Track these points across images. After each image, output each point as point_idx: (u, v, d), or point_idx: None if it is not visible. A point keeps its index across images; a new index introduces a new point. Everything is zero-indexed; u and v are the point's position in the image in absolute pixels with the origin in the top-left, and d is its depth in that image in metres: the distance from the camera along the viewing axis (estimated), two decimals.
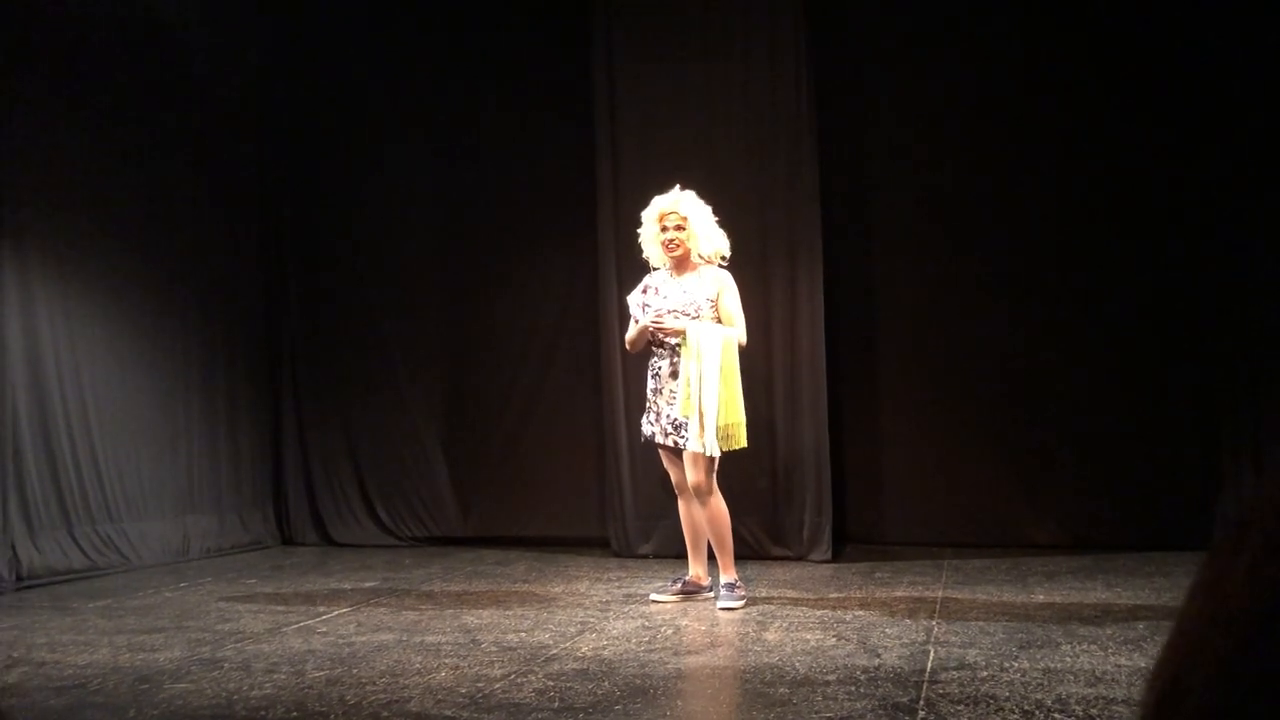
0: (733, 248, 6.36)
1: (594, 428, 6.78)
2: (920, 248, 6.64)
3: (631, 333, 5.00)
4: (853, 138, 6.75)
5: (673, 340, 4.84)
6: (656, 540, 6.43)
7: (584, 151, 6.62)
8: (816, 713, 3.11)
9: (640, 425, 5.10)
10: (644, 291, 5.03)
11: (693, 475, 4.82)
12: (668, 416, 4.85)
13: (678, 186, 4.98)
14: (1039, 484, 6.43)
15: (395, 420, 7.30)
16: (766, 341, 6.32)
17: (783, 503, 6.25)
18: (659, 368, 4.92)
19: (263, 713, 3.26)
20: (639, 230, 5.06)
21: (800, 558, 6.12)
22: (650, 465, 6.45)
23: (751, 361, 6.33)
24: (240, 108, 7.34)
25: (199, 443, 6.96)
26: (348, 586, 5.61)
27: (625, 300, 5.29)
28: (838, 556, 6.14)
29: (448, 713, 3.20)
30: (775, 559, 6.15)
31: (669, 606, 4.88)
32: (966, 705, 3.15)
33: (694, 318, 4.83)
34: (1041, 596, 4.91)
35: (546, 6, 7.10)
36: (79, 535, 6.06)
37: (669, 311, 4.86)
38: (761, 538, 6.27)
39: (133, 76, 6.53)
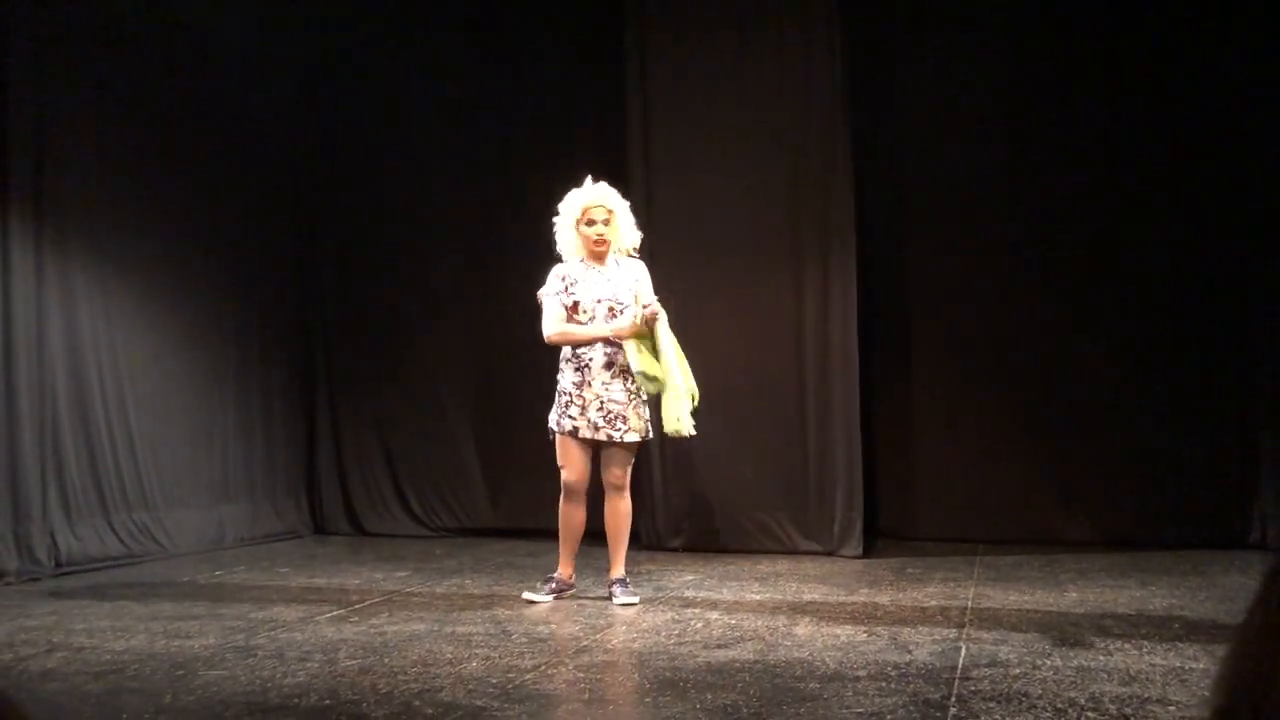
0: (764, 239, 6.40)
1: None
2: (954, 241, 6.58)
3: (583, 332, 4.76)
4: (889, 127, 6.70)
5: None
6: (687, 534, 6.43)
7: (615, 145, 6.62)
8: (847, 708, 3.10)
9: (553, 419, 4.84)
10: (563, 282, 4.86)
11: (620, 470, 4.79)
12: (597, 409, 4.74)
13: (589, 178, 4.93)
14: (1073, 481, 6.37)
15: (428, 412, 7.35)
16: (798, 333, 6.30)
17: (814, 497, 6.22)
18: (587, 359, 4.76)
19: (296, 700, 3.29)
20: (554, 220, 4.94)
21: (831, 553, 6.09)
22: (683, 460, 6.46)
23: (783, 353, 6.33)
24: (277, 106, 7.40)
25: (234, 433, 7.03)
26: (380, 576, 5.65)
27: (564, 292, 4.91)
28: (869, 552, 6.11)
29: (479, 703, 3.22)
30: (806, 554, 6.13)
31: (545, 607, 4.79)
32: (998, 702, 3.13)
33: (623, 307, 4.80)
34: (1075, 594, 4.87)
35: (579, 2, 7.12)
36: (116, 523, 6.14)
37: (596, 301, 4.79)
38: (792, 532, 6.25)
39: (171, 71, 6.59)
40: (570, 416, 4.77)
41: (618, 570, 4.91)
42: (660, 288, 6.49)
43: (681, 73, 6.48)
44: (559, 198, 7.01)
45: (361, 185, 7.51)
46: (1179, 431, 6.20)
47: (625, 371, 4.76)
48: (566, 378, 4.82)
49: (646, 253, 6.48)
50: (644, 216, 6.49)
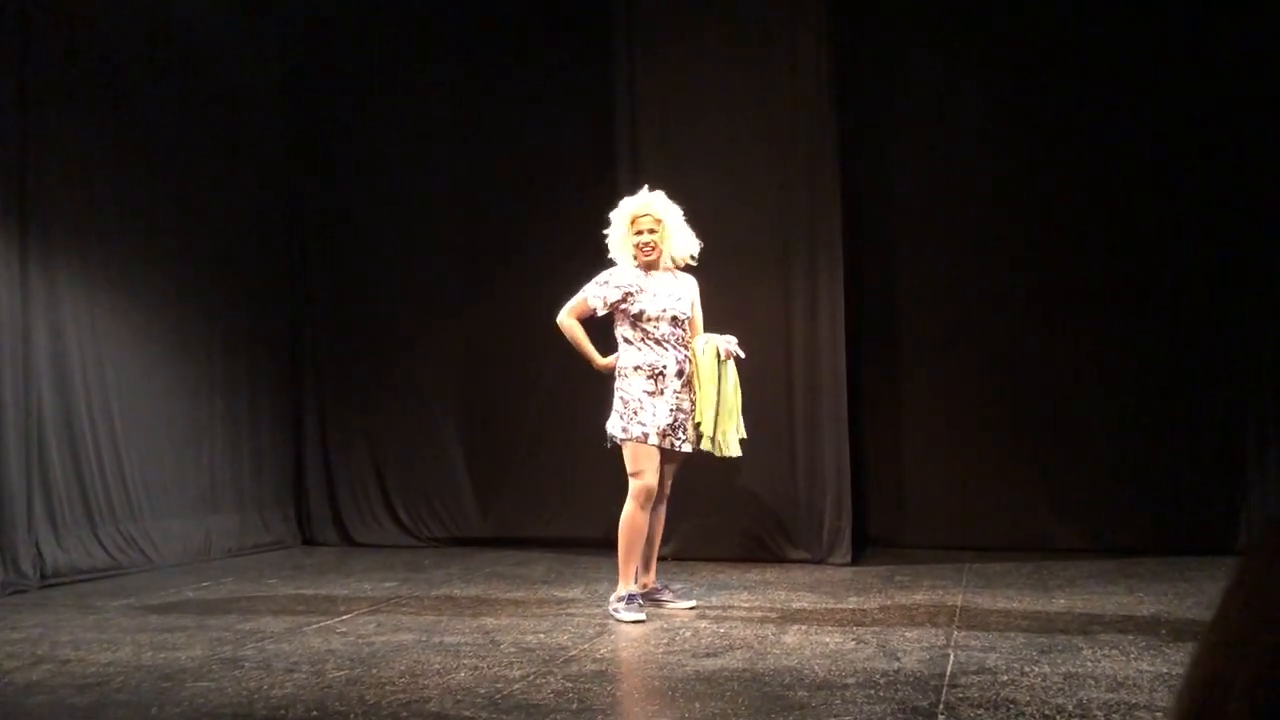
0: (752, 248, 6.41)
1: None
2: (944, 250, 6.61)
3: (585, 345, 4.89)
4: (876, 135, 6.73)
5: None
6: (676, 542, 6.42)
7: (605, 154, 6.63)
8: (835, 716, 3.10)
9: (617, 426, 4.72)
10: (619, 290, 4.78)
11: (673, 477, 4.93)
12: (667, 416, 4.71)
13: (645, 187, 4.94)
14: (1061, 488, 6.38)
15: (416, 421, 7.33)
16: (786, 342, 6.31)
17: (803, 505, 6.23)
18: (661, 366, 4.74)
19: (283, 711, 3.28)
20: (605, 231, 4.94)
21: (820, 561, 6.10)
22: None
23: (771, 362, 6.33)
24: (267, 112, 7.40)
25: (221, 443, 7.00)
26: (368, 587, 5.63)
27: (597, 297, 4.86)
28: (857, 560, 6.12)
29: (467, 713, 3.21)
30: (794, 562, 6.13)
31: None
32: (986, 709, 3.14)
33: (688, 317, 4.85)
34: (1063, 601, 4.88)
35: (567, 6, 7.13)
36: (102, 534, 6.11)
37: (662, 309, 4.75)
38: (781, 541, 6.25)
39: (160, 77, 6.57)
40: (641, 423, 4.70)
41: (643, 583, 4.95)
42: None
43: (669, 79, 6.49)
44: (548, 210, 7.08)
45: (352, 196, 7.51)
46: (1166, 439, 6.23)
47: (690, 383, 4.80)
48: (637, 385, 4.73)
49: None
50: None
